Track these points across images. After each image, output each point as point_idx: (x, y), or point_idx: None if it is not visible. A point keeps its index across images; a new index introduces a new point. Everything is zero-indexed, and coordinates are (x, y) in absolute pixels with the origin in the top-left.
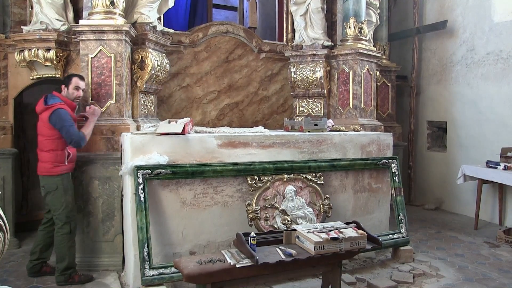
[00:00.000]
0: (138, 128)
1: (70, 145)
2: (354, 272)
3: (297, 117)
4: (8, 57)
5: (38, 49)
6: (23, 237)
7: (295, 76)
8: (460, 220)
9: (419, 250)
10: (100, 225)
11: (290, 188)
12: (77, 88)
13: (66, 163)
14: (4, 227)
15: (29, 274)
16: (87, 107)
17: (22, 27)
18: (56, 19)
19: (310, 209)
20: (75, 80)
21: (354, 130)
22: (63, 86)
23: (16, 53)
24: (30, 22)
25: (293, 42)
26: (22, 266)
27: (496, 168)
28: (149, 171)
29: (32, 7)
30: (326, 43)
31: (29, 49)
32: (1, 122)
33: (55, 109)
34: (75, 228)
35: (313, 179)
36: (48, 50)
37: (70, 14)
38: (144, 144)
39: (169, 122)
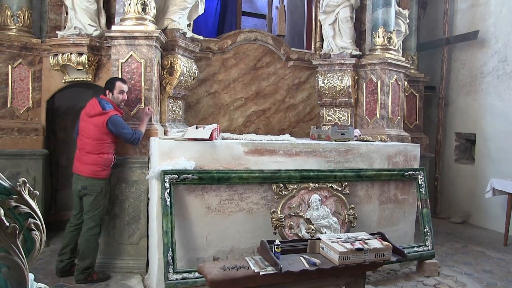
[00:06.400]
0: (165, 133)
1: (131, 144)
2: (377, 284)
3: (324, 126)
4: (43, 61)
5: (71, 54)
6: (51, 236)
7: (322, 85)
8: (488, 235)
9: (445, 264)
10: (126, 228)
11: (315, 197)
12: (121, 92)
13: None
14: (41, 227)
15: (60, 273)
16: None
17: (56, 32)
18: (89, 24)
19: (335, 219)
20: (118, 85)
21: (381, 140)
22: (107, 91)
23: (50, 57)
24: (65, 27)
25: (321, 50)
26: (49, 265)
27: None
28: (176, 176)
29: (67, 13)
30: (354, 52)
31: (63, 54)
32: (34, 124)
33: (111, 116)
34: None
35: (338, 188)
36: (80, 54)
37: (103, 20)
38: (172, 149)
39: (196, 128)
